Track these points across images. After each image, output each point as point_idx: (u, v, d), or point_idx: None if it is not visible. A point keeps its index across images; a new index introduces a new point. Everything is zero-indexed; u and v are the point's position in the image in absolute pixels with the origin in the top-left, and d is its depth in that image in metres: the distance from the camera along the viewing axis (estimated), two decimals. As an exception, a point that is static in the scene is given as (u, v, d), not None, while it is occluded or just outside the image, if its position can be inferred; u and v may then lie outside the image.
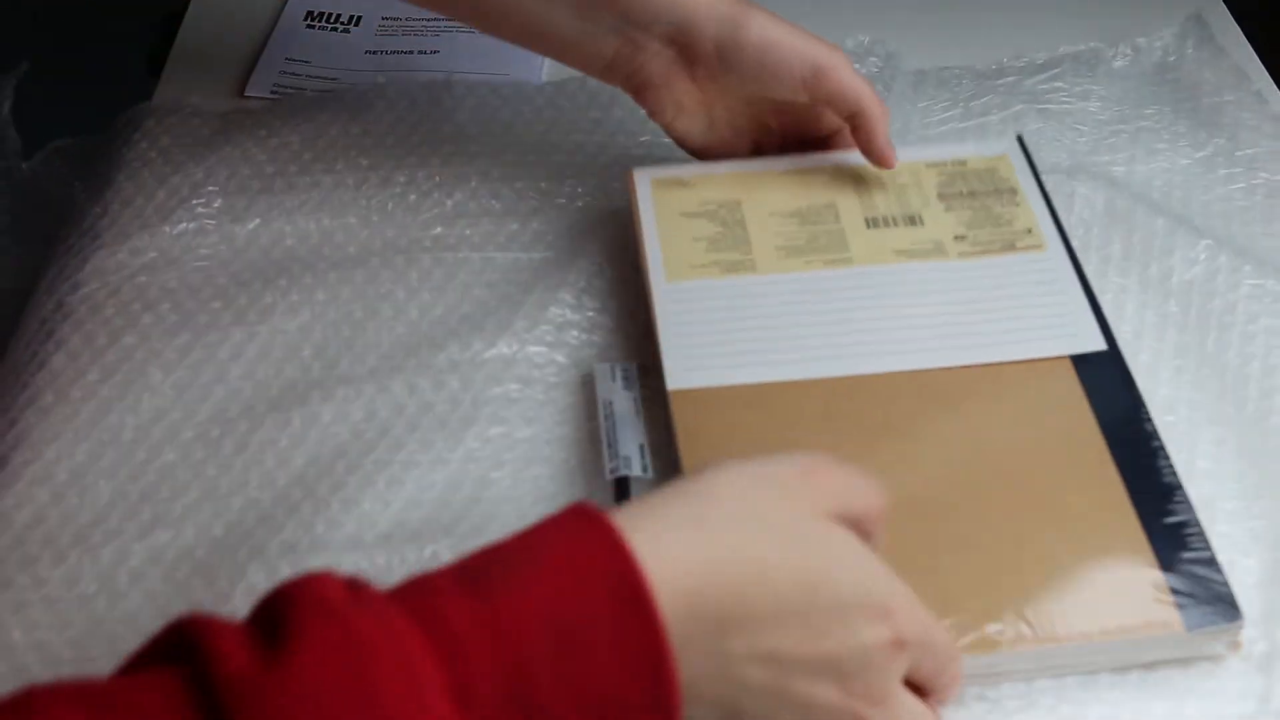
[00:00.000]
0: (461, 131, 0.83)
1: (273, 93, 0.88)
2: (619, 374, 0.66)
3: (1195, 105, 0.85)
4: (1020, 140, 0.75)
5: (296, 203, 0.77)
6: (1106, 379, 0.64)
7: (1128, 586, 0.56)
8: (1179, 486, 0.60)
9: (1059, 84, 0.86)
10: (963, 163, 0.74)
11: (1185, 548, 0.58)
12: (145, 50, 0.95)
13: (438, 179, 0.79)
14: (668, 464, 0.63)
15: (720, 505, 0.46)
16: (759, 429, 0.62)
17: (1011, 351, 0.65)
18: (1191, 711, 0.56)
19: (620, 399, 0.65)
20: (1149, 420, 0.62)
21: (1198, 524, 0.58)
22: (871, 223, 0.70)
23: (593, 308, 0.72)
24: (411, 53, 0.91)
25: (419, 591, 0.41)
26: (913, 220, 0.71)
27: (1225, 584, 0.56)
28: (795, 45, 0.68)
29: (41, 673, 0.56)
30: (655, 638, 0.41)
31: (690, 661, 0.42)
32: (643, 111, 0.73)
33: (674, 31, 0.68)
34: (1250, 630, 0.58)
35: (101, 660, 0.56)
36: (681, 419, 0.62)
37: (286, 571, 0.59)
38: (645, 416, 0.65)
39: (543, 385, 0.69)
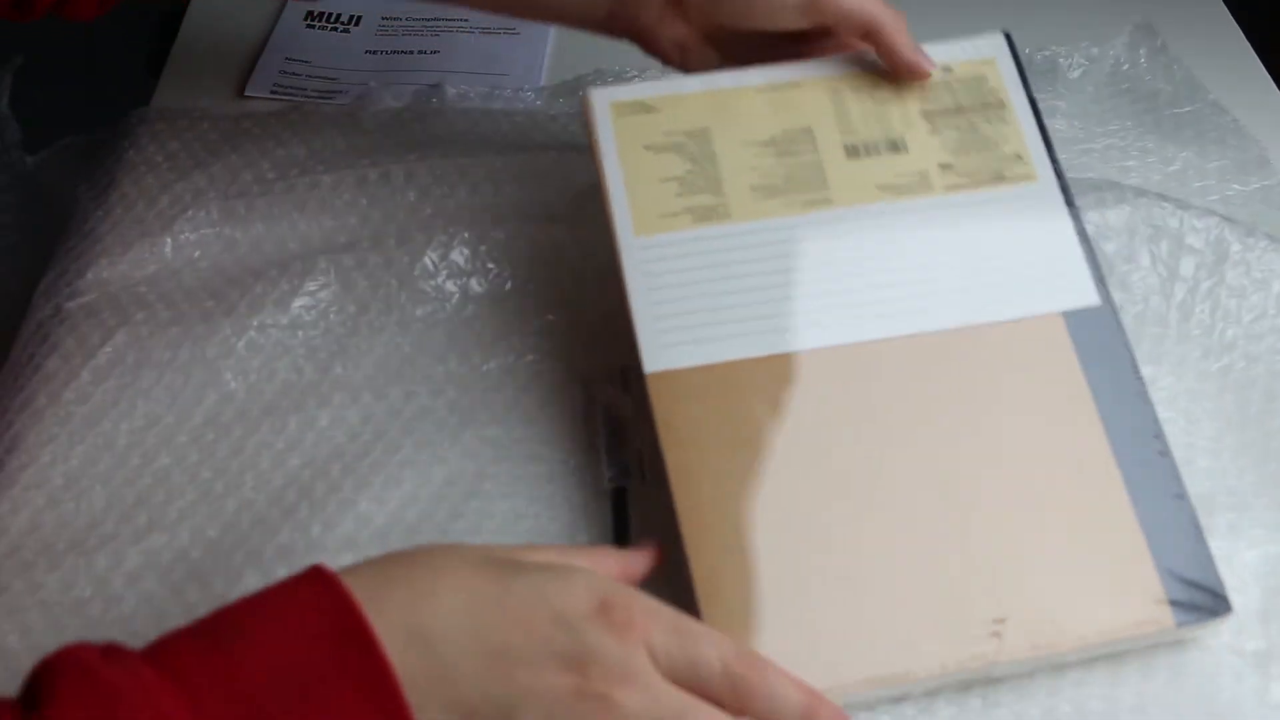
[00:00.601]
0: (459, 132, 0.83)
1: (273, 93, 0.87)
2: (616, 377, 0.66)
3: (1157, 118, 0.86)
4: (1008, 39, 0.70)
5: (297, 205, 0.77)
6: (1099, 340, 0.62)
7: (1123, 584, 0.56)
8: (1176, 475, 0.59)
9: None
10: (949, 69, 0.68)
11: (1179, 540, 0.57)
12: (145, 50, 0.95)
13: (437, 178, 0.79)
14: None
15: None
16: (739, 417, 0.59)
17: (1001, 310, 0.62)
18: (1190, 710, 0.56)
19: (619, 404, 0.65)
20: (1139, 378, 0.61)
21: (1193, 518, 0.58)
22: (851, 151, 0.65)
23: (590, 307, 0.72)
24: (411, 53, 0.91)
25: (165, 648, 0.44)
26: (895, 146, 0.65)
27: (1215, 575, 0.56)
28: None
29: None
30: (381, 672, 0.43)
31: (418, 689, 0.44)
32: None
33: None
34: (1248, 628, 0.58)
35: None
36: (661, 408, 0.59)
37: (283, 573, 0.59)
38: (644, 420, 0.65)
39: (541, 387, 0.68)
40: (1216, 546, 0.59)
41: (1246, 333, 0.70)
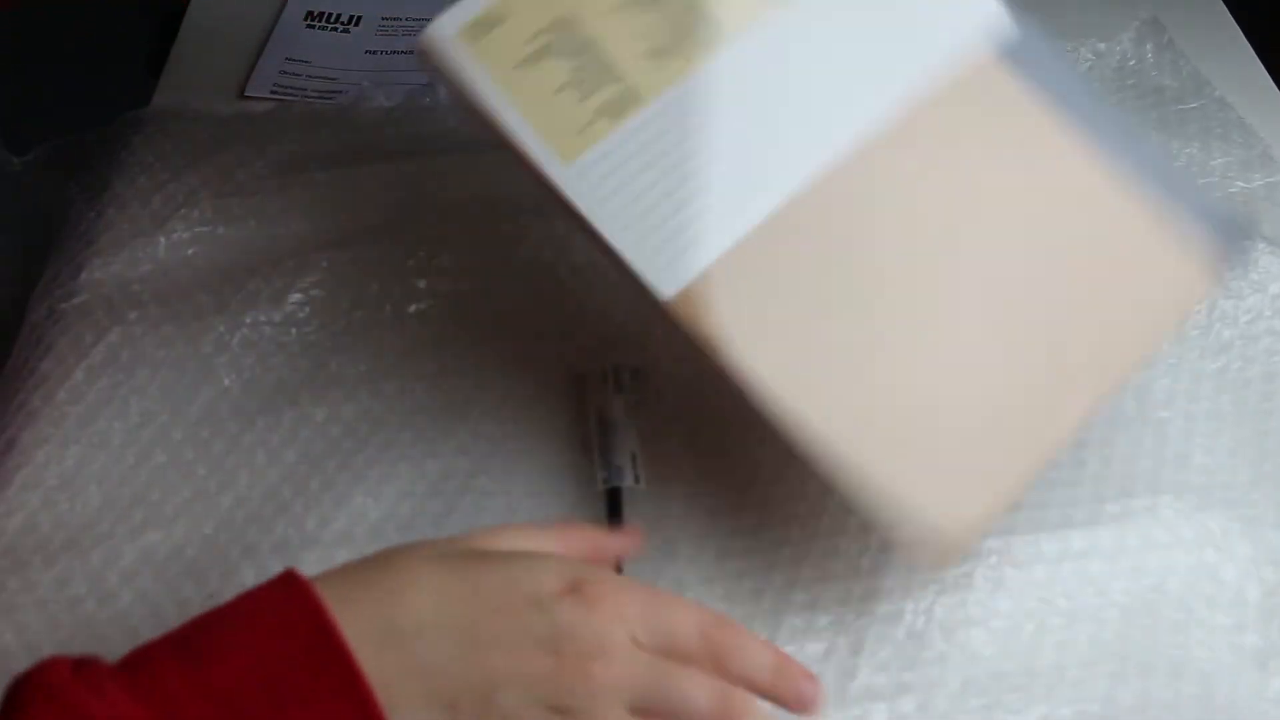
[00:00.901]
0: (452, 130, 0.83)
1: (272, 93, 0.87)
2: (610, 377, 0.66)
3: (1162, 114, 0.86)
4: None
5: (291, 203, 0.77)
6: (1036, 62, 0.60)
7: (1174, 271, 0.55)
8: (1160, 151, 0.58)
9: (1027, 94, 0.86)
10: None
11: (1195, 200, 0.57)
12: (145, 50, 0.95)
13: (430, 175, 0.79)
14: (660, 473, 0.63)
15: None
16: (771, 293, 0.54)
17: (934, 66, 0.59)
18: (1189, 708, 0.56)
19: (612, 404, 0.65)
20: (1088, 84, 0.60)
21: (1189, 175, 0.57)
22: None
23: (584, 304, 0.72)
24: (411, 53, 0.91)
25: (137, 662, 0.44)
26: None
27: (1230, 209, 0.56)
28: None
29: (32, 675, 0.56)
30: (353, 676, 0.43)
31: (396, 687, 0.45)
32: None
33: None
34: (1247, 624, 0.59)
35: (92, 662, 0.56)
36: (699, 328, 0.52)
37: (279, 569, 0.59)
38: (638, 422, 0.65)
39: (534, 383, 0.68)
40: (1214, 544, 0.60)
41: (1242, 334, 0.71)
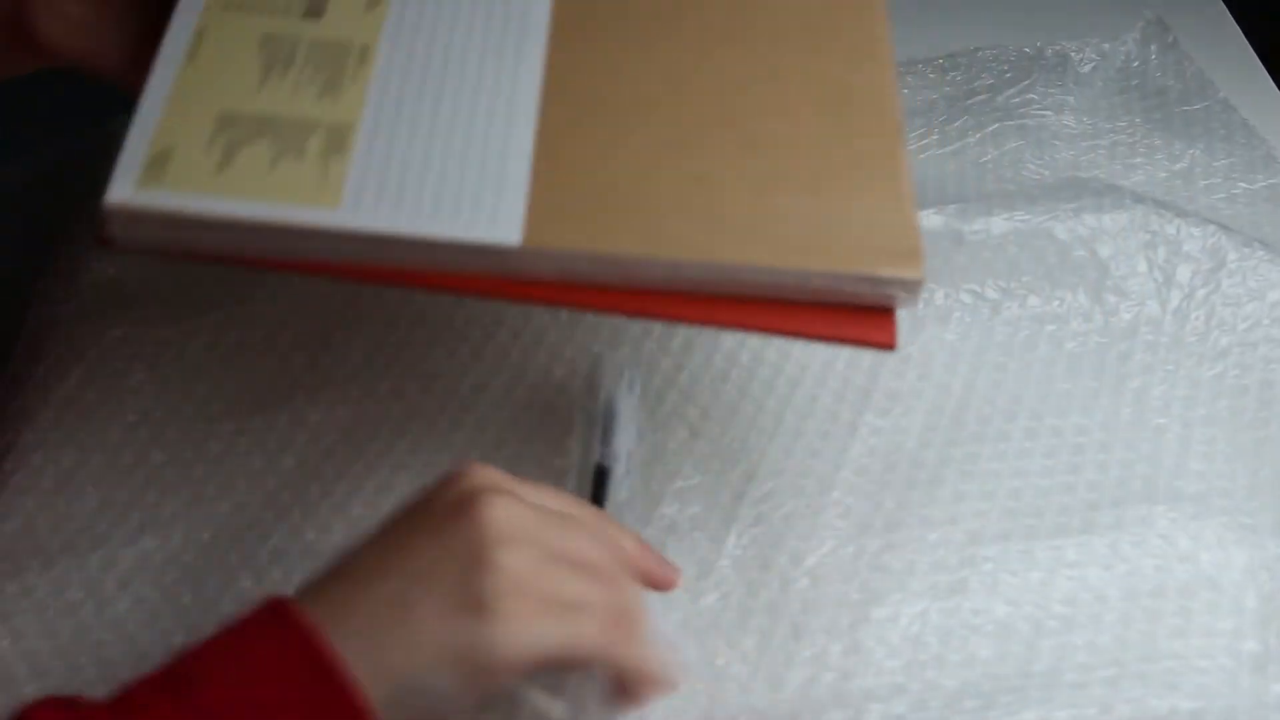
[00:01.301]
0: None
1: (271, 93, 0.87)
2: (626, 377, 0.65)
3: (1166, 115, 0.86)
4: None
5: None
6: None
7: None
8: None
9: (1031, 95, 0.86)
10: None
11: None
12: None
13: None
14: (655, 471, 0.64)
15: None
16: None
17: None
18: (1185, 707, 0.56)
19: (624, 403, 0.65)
20: None
21: None
22: None
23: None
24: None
25: (129, 702, 0.44)
26: None
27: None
28: None
29: (30, 681, 0.56)
30: (353, 702, 0.43)
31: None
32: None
33: None
34: (1244, 630, 0.59)
35: (89, 668, 0.56)
36: (563, 241, 0.51)
37: (277, 577, 0.59)
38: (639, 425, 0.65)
39: (531, 383, 0.68)
40: (1211, 551, 0.60)
41: (1240, 340, 0.70)
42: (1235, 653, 0.58)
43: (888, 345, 0.52)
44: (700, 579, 0.60)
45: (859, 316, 0.52)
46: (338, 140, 0.52)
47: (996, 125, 0.84)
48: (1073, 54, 0.89)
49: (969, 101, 0.86)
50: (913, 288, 0.51)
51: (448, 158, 0.52)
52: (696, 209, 0.52)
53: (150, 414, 0.66)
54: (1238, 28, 0.94)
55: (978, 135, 0.84)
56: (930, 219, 0.76)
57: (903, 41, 0.88)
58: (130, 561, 0.61)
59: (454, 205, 0.51)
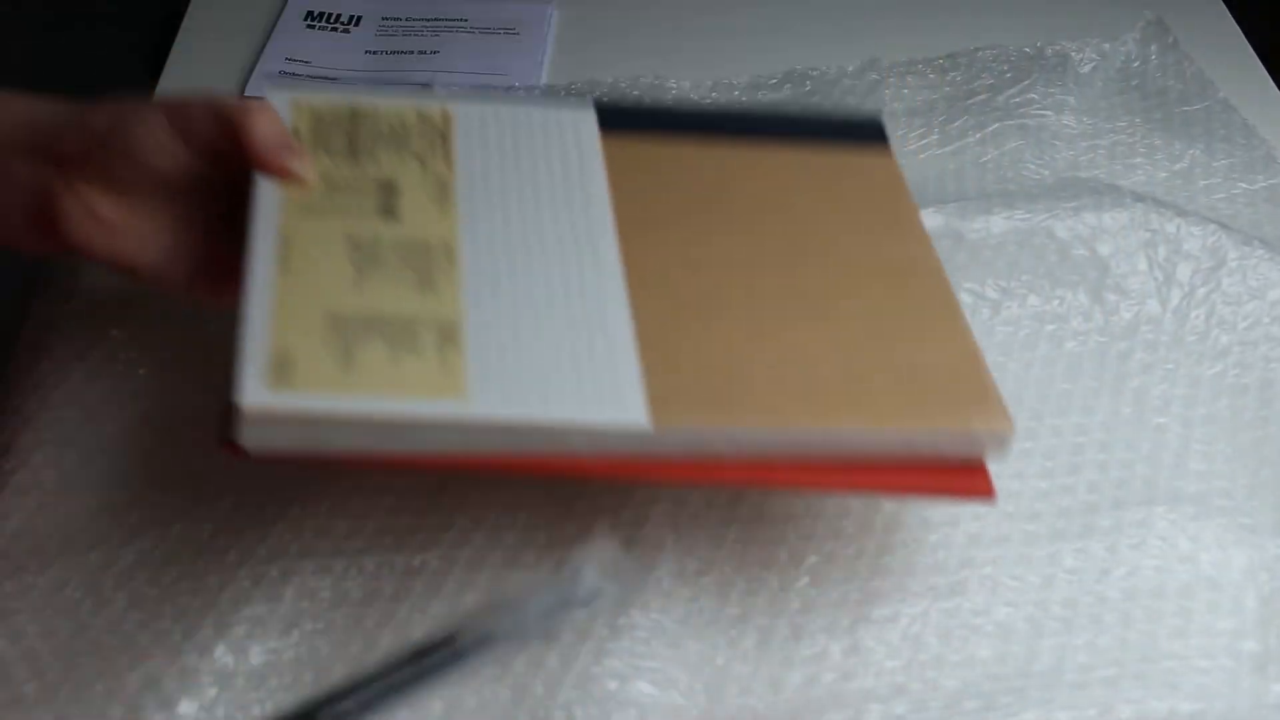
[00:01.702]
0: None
1: (272, 93, 0.87)
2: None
3: (1166, 115, 0.86)
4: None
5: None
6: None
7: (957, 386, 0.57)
8: None
9: (1032, 95, 0.86)
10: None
11: None
12: (145, 50, 0.95)
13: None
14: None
15: None
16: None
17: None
18: (1185, 709, 0.56)
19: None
20: None
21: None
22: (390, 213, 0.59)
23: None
24: (411, 53, 0.91)
25: None
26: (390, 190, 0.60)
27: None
28: (152, 104, 0.59)
29: (29, 679, 0.56)
30: None
31: None
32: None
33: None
34: (1244, 630, 0.59)
35: (87, 666, 0.56)
36: (684, 418, 0.53)
37: (275, 575, 0.59)
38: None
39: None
40: (1211, 551, 0.60)
41: (1241, 339, 0.70)
42: (1235, 653, 0.58)
43: (989, 496, 0.55)
44: (700, 577, 0.60)
45: (957, 471, 0.55)
46: (449, 334, 0.53)
47: (997, 125, 0.84)
48: (1073, 54, 0.89)
49: (969, 101, 0.86)
50: (1002, 440, 0.55)
51: (558, 347, 0.54)
52: (794, 381, 0.55)
53: (151, 415, 0.66)
54: (1238, 28, 0.94)
55: (978, 135, 0.84)
56: (931, 218, 0.76)
57: (903, 41, 0.90)
58: (130, 559, 0.60)
59: (576, 391, 0.52)
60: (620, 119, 0.66)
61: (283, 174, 0.58)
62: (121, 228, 0.59)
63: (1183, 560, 0.61)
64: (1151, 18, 0.92)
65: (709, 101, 0.77)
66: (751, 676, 0.57)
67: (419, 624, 0.58)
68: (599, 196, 0.61)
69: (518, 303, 0.55)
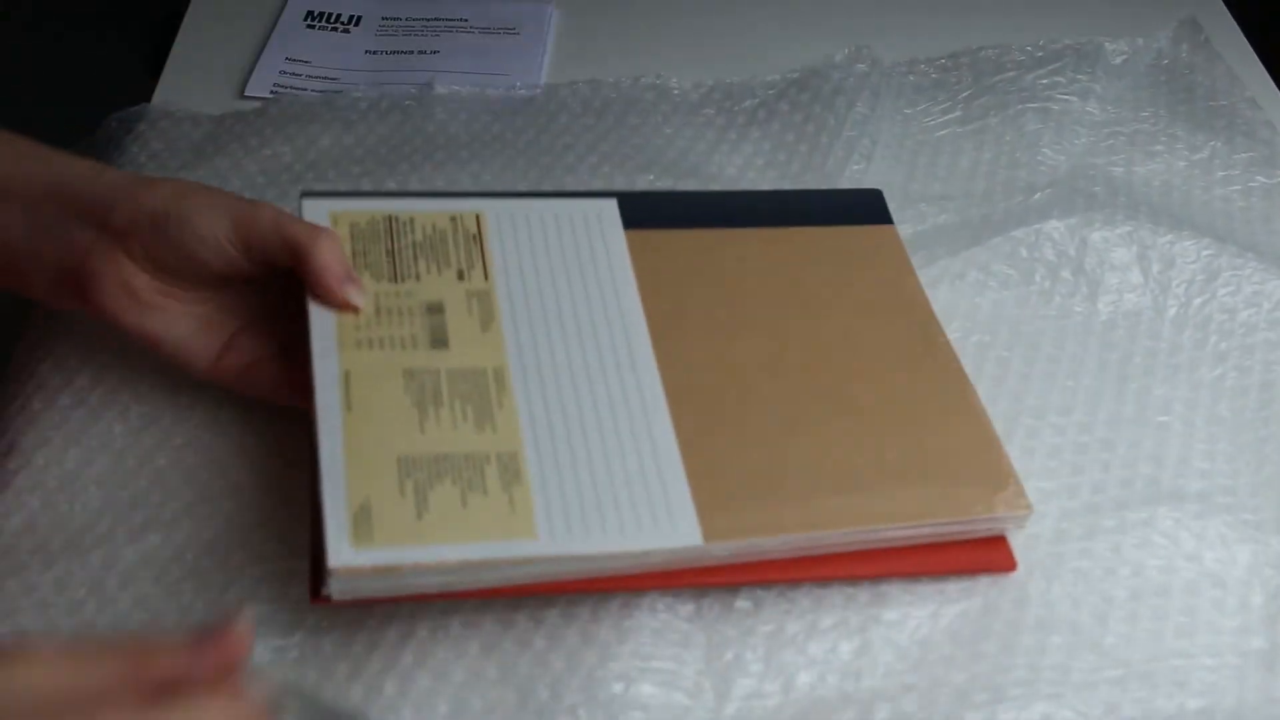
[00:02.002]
0: (453, 138, 0.82)
1: (272, 92, 0.87)
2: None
3: (1191, 109, 0.86)
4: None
5: (288, 204, 0.77)
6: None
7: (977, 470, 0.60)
8: None
9: (1059, 79, 0.86)
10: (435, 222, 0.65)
11: None
12: (145, 50, 0.95)
13: (423, 180, 0.79)
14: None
15: None
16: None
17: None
18: (1192, 706, 0.56)
19: None
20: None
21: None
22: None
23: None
24: (411, 53, 0.91)
25: None
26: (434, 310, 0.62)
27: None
28: (215, 201, 0.59)
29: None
30: None
31: None
32: (637, 118, 0.72)
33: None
34: (1251, 628, 0.59)
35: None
36: (740, 530, 0.56)
37: (281, 572, 0.59)
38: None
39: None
40: (1216, 549, 0.60)
41: (1239, 345, 0.71)
42: (1242, 650, 0.58)
43: (1010, 568, 0.60)
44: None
45: (981, 549, 0.60)
46: (512, 469, 0.56)
47: (1019, 106, 0.84)
48: (1107, 45, 0.89)
49: (995, 79, 0.86)
50: (1023, 519, 0.59)
51: (613, 471, 0.57)
52: (829, 481, 0.58)
53: (155, 416, 0.66)
54: (1239, 29, 0.94)
55: (999, 116, 0.84)
56: (935, 218, 0.76)
57: (934, 40, 0.90)
58: (133, 558, 0.60)
59: (635, 518, 0.55)
60: (639, 213, 0.68)
61: (344, 307, 0.59)
62: (153, 306, 0.60)
63: (1187, 558, 0.61)
64: (1186, 17, 0.92)
65: (717, 191, 0.78)
66: (758, 676, 0.57)
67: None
68: (629, 294, 0.64)
69: (569, 426, 0.58)
